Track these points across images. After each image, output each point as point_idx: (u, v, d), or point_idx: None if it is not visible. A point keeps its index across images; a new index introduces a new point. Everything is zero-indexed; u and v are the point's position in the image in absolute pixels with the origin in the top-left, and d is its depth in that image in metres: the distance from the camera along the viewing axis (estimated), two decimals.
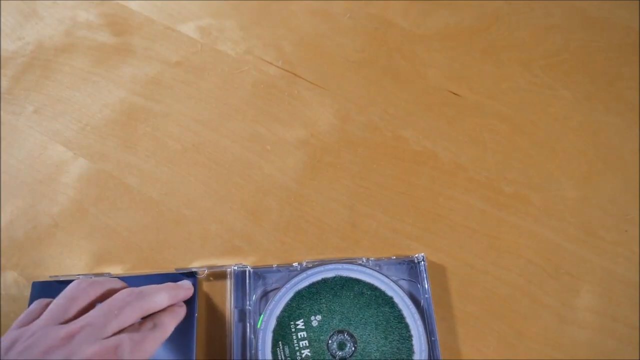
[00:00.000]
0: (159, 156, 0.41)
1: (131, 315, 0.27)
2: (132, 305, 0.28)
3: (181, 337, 0.32)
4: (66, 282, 0.31)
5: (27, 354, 0.25)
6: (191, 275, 0.35)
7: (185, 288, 0.32)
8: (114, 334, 0.26)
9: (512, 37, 0.46)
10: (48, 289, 0.34)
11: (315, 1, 0.49)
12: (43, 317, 0.27)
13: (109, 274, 0.35)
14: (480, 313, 0.35)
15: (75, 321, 0.26)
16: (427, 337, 0.33)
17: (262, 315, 0.33)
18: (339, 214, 0.38)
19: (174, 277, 0.34)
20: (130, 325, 0.28)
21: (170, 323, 0.29)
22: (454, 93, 0.43)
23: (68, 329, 0.26)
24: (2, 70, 0.46)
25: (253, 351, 0.32)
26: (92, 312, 0.27)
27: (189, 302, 0.33)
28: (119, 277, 0.34)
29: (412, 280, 0.35)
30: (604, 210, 0.38)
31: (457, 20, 0.47)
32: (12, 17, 0.49)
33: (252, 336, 0.33)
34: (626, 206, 0.38)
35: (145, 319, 0.29)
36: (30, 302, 0.34)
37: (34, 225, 0.38)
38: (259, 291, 0.35)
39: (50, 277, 0.35)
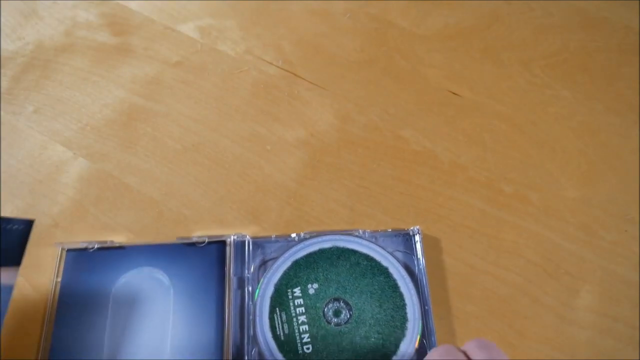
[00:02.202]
0: (159, 156, 0.41)
1: None
2: None
3: (214, 300, 0.34)
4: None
5: None
6: (220, 242, 0.35)
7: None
8: None
9: (512, 37, 0.46)
10: (81, 257, 0.35)
11: (315, 1, 0.49)
12: None
13: (111, 241, 0.36)
14: (480, 313, 0.35)
15: None
16: (421, 306, 0.34)
17: (260, 283, 0.34)
18: (339, 214, 0.38)
19: (175, 247, 0.35)
20: None
21: None
22: (454, 93, 0.43)
23: None
24: (2, 70, 0.46)
25: (251, 317, 0.33)
26: None
27: (218, 267, 0.34)
28: (122, 246, 0.36)
29: (407, 252, 0.36)
30: (604, 210, 0.38)
31: (457, 20, 0.47)
32: (12, 17, 0.49)
33: (250, 303, 0.34)
34: (626, 206, 0.38)
35: None
36: (65, 271, 0.35)
37: (34, 225, 0.38)
38: (258, 260, 0.35)
39: (55, 243, 0.36)
